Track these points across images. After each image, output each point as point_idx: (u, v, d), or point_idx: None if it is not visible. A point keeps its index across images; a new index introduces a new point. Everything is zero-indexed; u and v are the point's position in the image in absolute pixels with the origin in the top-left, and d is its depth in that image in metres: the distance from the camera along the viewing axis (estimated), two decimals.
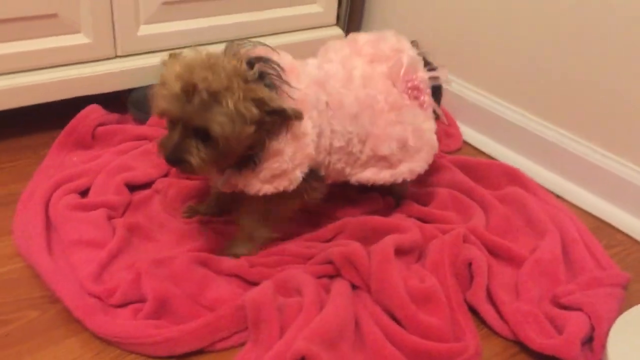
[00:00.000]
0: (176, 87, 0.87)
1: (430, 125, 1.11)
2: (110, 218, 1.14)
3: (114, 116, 1.39)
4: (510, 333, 0.98)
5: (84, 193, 1.20)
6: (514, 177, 1.32)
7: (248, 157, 0.96)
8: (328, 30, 1.68)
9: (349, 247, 1.02)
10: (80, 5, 1.28)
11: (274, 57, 0.97)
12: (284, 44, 1.48)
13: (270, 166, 0.96)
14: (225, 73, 0.88)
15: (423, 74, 1.11)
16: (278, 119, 0.93)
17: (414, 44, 1.17)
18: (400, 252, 1.03)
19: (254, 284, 1.00)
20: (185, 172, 0.97)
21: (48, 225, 1.11)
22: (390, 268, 0.99)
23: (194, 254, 1.03)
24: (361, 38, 1.14)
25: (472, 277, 1.03)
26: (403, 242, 1.04)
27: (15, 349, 0.90)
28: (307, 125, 0.96)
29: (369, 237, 1.08)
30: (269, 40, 1.50)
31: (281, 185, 0.98)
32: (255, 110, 0.89)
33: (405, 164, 1.10)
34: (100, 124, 1.35)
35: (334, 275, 1.03)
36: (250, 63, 0.92)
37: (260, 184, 0.98)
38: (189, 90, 0.87)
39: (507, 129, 1.46)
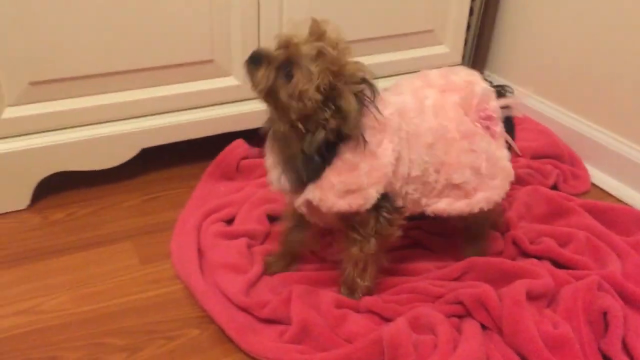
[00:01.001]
0: (311, 26, 0.95)
1: (503, 154, 1.09)
2: (250, 246, 1.24)
3: (256, 150, 1.50)
4: None
5: (230, 221, 1.32)
6: None
7: (318, 159, 0.97)
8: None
9: (480, 288, 1.06)
10: (232, 52, 1.41)
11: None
12: None
13: (345, 180, 0.97)
14: (339, 62, 0.94)
15: (495, 104, 1.10)
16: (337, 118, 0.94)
17: (503, 88, 1.17)
18: (531, 296, 1.06)
19: (387, 320, 1.06)
20: (248, 74, 0.96)
21: (199, 250, 1.23)
22: (522, 311, 1.02)
23: (334, 294, 1.10)
24: (432, 72, 1.15)
25: (607, 326, 1.03)
26: (535, 287, 1.06)
27: None
28: (387, 147, 0.99)
29: (496, 280, 1.11)
30: (394, 81, 1.61)
31: (355, 202, 0.99)
32: (329, 80, 0.92)
33: (481, 192, 1.09)
34: (244, 158, 1.48)
35: (464, 315, 1.07)
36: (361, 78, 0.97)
37: (335, 199, 0.98)
38: (313, 35, 0.94)
39: (637, 172, 1.44)
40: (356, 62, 0.97)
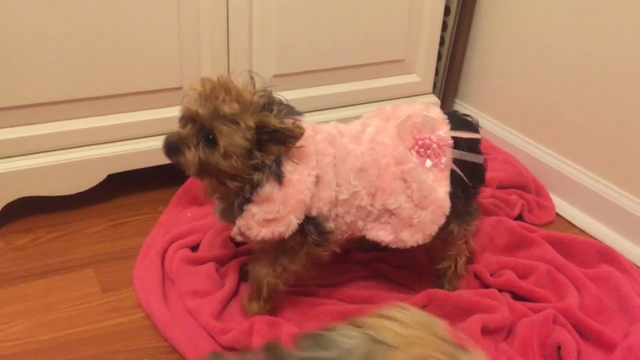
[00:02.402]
0: (200, 93, 0.97)
1: (440, 185, 1.07)
2: (217, 270, 1.25)
3: None
4: None
5: (195, 248, 1.32)
6: (608, 256, 1.32)
7: (237, 192, 1.02)
8: (425, 97, 1.75)
9: None
10: None
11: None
12: None
13: (262, 210, 1.01)
14: (242, 101, 0.97)
15: (444, 135, 1.08)
16: (273, 142, 0.99)
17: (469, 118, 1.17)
18: (488, 331, 1.07)
19: None
20: (177, 164, 1.01)
21: (164, 277, 1.23)
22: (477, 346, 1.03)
23: (297, 330, 1.10)
24: (390, 105, 1.17)
25: None
26: (490, 321, 1.07)
27: None
28: (302, 173, 1.01)
29: (454, 314, 1.12)
30: (368, 108, 1.63)
31: (277, 230, 1.02)
32: (252, 124, 0.97)
33: (414, 227, 1.08)
34: None
35: None
36: (269, 99, 1.01)
37: (258, 227, 1.03)
38: (210, 100, 0.96)
39: (600, 204, 1.46)
40: (257, 92, 1.01)
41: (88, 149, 1.38)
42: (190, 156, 0.98)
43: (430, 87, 1.77)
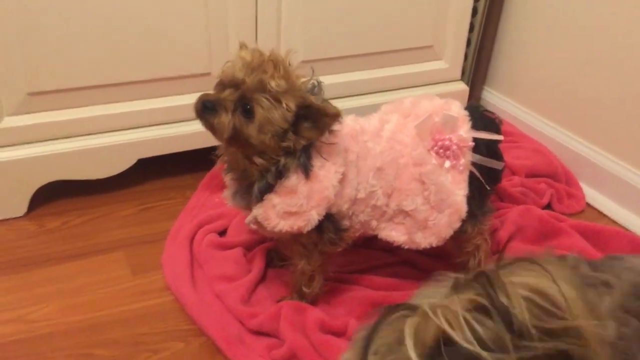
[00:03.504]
0: (247, 63, 0.95)
1: (459, 188, 1.05)
2: (245, 255, 1.26)
3: None
4: None
5: (222, 233, 1.34)
6: (639, 246, 1.30)
7: (262, 174, 1.00)
8: (453, 85, 1.74)
9: None
10: None
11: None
12: None
13: (285, 202, 0.99)
14: (289, 80, 0.95)
15: (465, 135, 1.05)
16: (310, 126, 0.96)
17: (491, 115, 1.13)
18: None
19: None
20: (206, 124, 0.98)
21: (192, 261, 1.25)
22: None
23: (323, 316, 1.10)
24: (408, 98, 1.14)
25: None
26: None
27: None
28: (330, 169, 0.99)
29: None
30: (395, 95, 1.62)
31: (296, 224, 1.00)
32: (294, 107, 0.94)
33: (429, 229, 1.06)
34: None
35: None
36: (315, 87, 1.00)
37: (277, 219, 1.00)
38: (257, 71, 0.94)
39: (631, 194, 1.43)
40: (306, 78, 0.99)
41: (118, 133, 1.40)
42: (226, 120, 0.95)
43: (458, 74, 1.75)
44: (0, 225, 1.34)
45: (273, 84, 0.93)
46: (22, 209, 1.37)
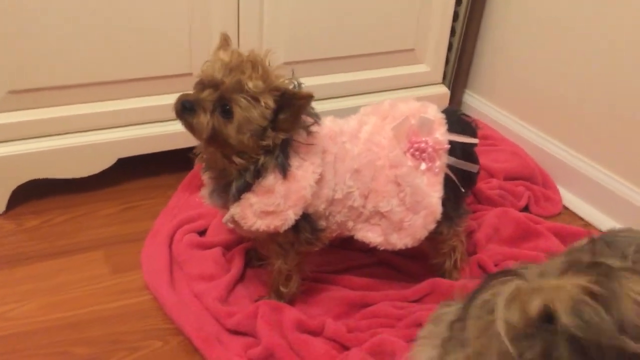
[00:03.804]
0: (225, 64, 0.96)
1: (434, 190, 1.07)
2: (224, 254, 1.27)
3: None
4: None
5: (202, 233, 1.34)
6: None
7: (240, 173, 1.01)
8: (434, 88, 1.76)
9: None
10: None
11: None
12: None
13: (262, 201, 1.00)
14: (267, 80, 0.96)
15: (441, 138, 1.07)
16: (288, 113, 0.97)
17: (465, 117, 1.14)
18: None
19: (347, 348, 1.07)
20: (185, 124, 0.99)
21: (171, 260, 1.26)
22: None
23: (300, 315, 1.11)
24: (387, 101, 1.16)
25: None
26: None
27: None
28: (308, 169, 1.01)
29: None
30: (377, 97, 1.64)
31: (273, 223, 1.01)
32: (272, 104, 0.96)
33: (404, 230, 1.08)
34: None
35: None
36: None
37: (254, 218, 1.01)
38: (235, 72, 0.95)
39: (607, 197, 1.46)
40: (285, 77, 1.00)
41: (98, 132, 1.40)
42: (205, 120, 0.96)
43: (440, 77, 1.77)
44: None
45: (251, 84, 0.95)
46: (1, 207, 1.37)
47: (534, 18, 1.62)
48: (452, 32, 1.75)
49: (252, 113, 0.95)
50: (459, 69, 1.82)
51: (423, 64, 1.72)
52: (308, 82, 1.54)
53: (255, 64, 0.96)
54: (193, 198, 1.45)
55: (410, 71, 1.70)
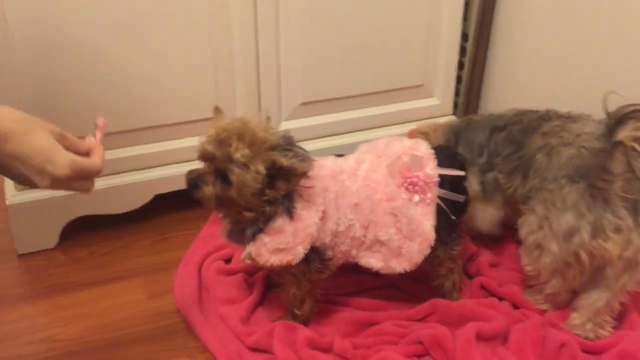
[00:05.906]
0: (215, 137, 1.08)
1: (427, 220, 1.17)
2: (246, 280, 1.40)
3: None
4: None
5: (228, 260, 1.48)
6: None
7: (252, 221, 1.12)
8: (445, 119, 1.86)
9: (437, 329, 1.19)
10: (236, 108, 1.59)
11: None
12: (404, 133, 1.69)
13: (274, 240, 1.12)
14: (254, 144, 1.07)
15: (431, 172, 1.17)
16: (283, 182, 1.08)
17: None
18: (484, 337, 1.18)
19: None
20: (196, 197, 1.12)
21: (200, 285, 1.40)
22: (473, 350, 1.14)
23: (312, 334, 1.23)
24: (382, 140, 1.28)
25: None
26: (484, 329, 1.18)
27: None
28: (311, 209, 1.12)
29: (453, 323, 1.23)
30: (389, 131, 1.76)
31: (285, 258, 1.13)
32: (263, 170, 1.07)
33: (402, 256, 1.18)
34: None
35: (424, 354, 1.19)
36: (285, 140, 1.12)
37: (268, 255, 1.13)
38: (223, 145, 1.07)
39: None
40: (272, 132, 1.11)
41: (137, 172, 1.57)
42: (208, 192, 1.10)
43: (450, 110, 1.88)
44: (35, 256, 1.52)
45: (238, 154, 1.06)
46: (54, 241, 1.55)
47: (537, 52, 1.70)
48: (462, 66, 1.86)
49: (246, 178, 1.07)
50: (469, 100, 1.92)
51: (433, 97, 1.84)
52: (324, 120, 1.71)
53: (241, 134, 1.07)
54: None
55: (421, 105, 1.82)
